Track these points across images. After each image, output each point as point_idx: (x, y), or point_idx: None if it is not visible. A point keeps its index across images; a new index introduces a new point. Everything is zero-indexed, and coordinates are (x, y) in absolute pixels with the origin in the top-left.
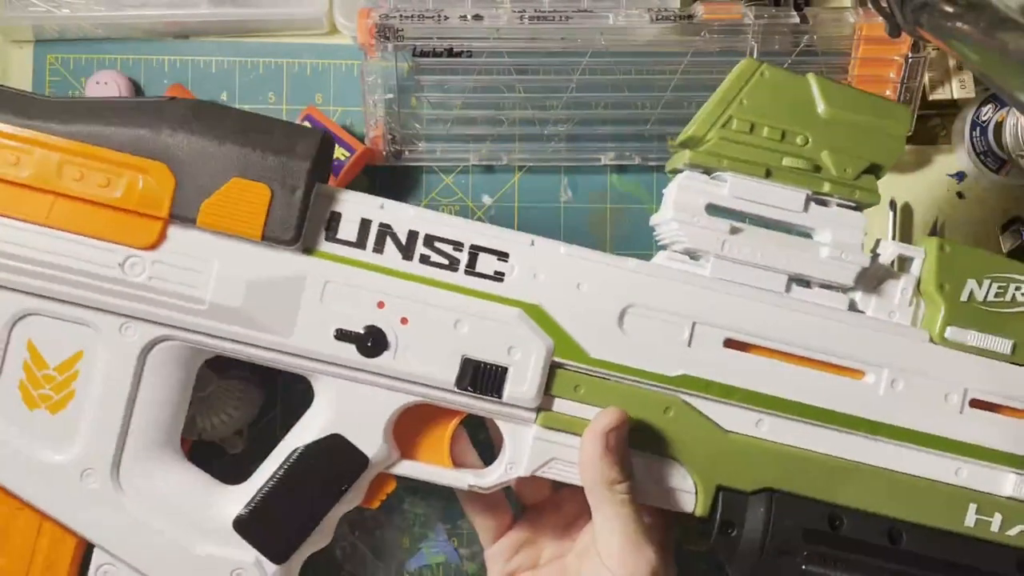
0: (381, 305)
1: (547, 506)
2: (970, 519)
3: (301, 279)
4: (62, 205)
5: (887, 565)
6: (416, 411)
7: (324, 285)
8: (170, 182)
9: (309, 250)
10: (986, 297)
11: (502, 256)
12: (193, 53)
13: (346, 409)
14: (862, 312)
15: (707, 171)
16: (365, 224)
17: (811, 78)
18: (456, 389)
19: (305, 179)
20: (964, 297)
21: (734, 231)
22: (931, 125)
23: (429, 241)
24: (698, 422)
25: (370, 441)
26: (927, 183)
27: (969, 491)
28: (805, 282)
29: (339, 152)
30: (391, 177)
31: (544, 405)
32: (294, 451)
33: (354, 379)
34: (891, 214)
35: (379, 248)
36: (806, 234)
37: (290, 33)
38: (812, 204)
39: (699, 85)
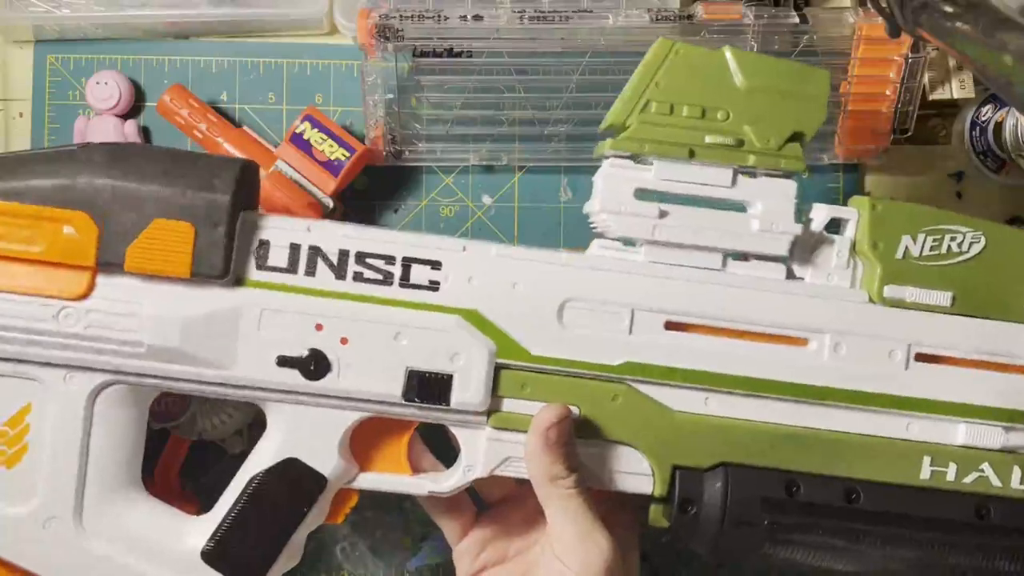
0: (319, 327)
1: (511, 501)
2: (925, 471)
3: (236, 311)
4: None
5: (847, 525)
6: (371, 423)
7: (260, 314)
8: (93, 231)
9: (241, 281)
10: (922, 252)
11: (435, 265)
12: (193, 53)
13: (298, 432)
14: (800, 279)
15: (633, 157)
16: (295, 248)
17: (727, 51)
18: (403, 401)
19: (227, 212)
20: (900, 254)
21: (663, 214)
22: (931, 125)
23: (360, 258)
24: (647, 406)
25: (325, 460)
26: (927, 183)
27: (922, 444)
28: (742, 256)
29: (339, 152)
30: (391, 177)
31: (493, 406)
32: (252, 478)
33: (302, 403)
34: None
35: (311, 271)
36: (740, 208)
37: (290, 33)
38: (739, 178)
39: None
